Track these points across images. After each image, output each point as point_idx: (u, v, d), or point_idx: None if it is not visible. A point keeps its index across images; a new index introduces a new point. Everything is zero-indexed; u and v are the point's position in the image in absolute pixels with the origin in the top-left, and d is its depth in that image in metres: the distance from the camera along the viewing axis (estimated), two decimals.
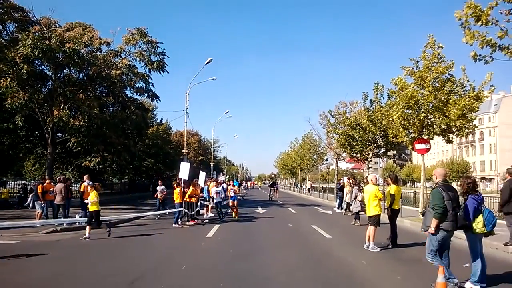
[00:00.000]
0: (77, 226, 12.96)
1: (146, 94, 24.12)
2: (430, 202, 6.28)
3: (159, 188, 17.63)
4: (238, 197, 34.19)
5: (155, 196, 17.69)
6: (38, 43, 17.81)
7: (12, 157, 26.39)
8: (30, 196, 17.68)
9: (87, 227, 11.01)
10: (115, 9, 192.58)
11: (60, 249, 9.76)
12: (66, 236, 11.70)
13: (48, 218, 14.00)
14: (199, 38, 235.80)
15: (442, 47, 14.63)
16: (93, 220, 11.16)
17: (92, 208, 11.13)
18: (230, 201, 17.06)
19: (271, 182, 39.52)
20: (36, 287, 6.27)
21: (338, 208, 21.11)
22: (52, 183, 14.78)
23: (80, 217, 14.50)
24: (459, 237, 8.15)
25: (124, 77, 22.38)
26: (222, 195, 16.40)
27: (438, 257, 6.09)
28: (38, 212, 13.86)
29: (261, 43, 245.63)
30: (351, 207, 17.16)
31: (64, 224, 12.74)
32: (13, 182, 28.58)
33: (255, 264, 7.94)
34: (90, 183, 14.87)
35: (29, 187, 22.43)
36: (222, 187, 18.65)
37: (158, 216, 16.16)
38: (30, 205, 16.12)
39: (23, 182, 27.00)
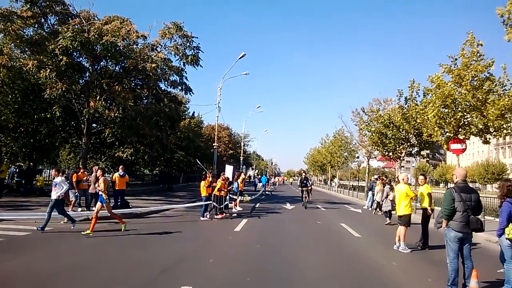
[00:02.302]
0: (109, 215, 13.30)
1: (180, 87, 24.30)
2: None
3: (57, 179, 11.03)
4: (267, 191, 34.61)
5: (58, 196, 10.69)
6: (77, 35, 18.25)
7: (48, 146, 27.31)
8: None
9: None
10: (150, 3, 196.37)
11: (91, 237, 9.97)
12: (98, 225, 11.95)
13: (81, 206, 14.44)
14: (233, 33, 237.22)
15: (481, 45, 13.95)
16: None
17: None
18: (99, 204, 10.75)
19: (301, 178, 24.21)
20: (70, 274, 6.37)
21: (369, 207, 20.82)
22: (85, 173, 15.13)
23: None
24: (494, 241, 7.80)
25: (159, 71, 22.57)
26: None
27: (455, 261, 5.82)
28: (72, 201, 14.12)
29: (294, 38, 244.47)
30: (382, 206, 16.81)
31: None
32: (48, 170, 29.56)
33: (282, 260, 7.92)
34: (122, 173, 15.27)
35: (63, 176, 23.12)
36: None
37: (74, 225, 10.85)
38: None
39: None
